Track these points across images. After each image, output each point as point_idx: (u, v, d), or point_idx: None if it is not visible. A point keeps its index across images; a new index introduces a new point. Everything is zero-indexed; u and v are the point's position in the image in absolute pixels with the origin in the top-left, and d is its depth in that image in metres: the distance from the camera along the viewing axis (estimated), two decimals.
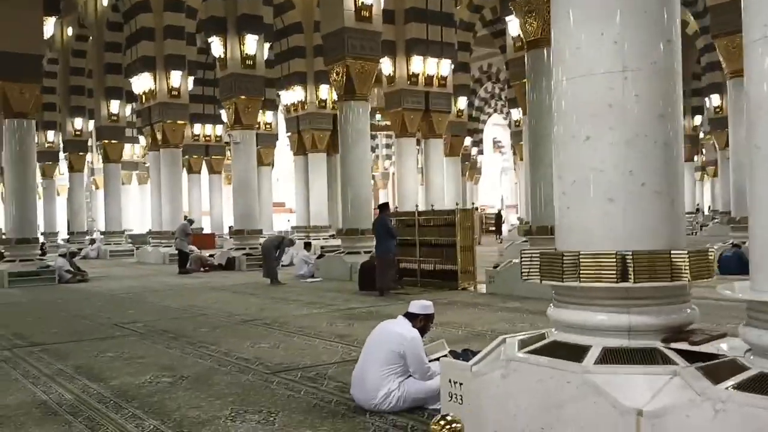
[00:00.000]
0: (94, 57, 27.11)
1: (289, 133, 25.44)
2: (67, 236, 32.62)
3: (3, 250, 16.59)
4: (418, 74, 19.85)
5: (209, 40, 19.41)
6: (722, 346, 3.52)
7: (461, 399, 4.25)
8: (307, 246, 16.55)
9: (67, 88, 29.83)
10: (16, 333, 8.79)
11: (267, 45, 20.34)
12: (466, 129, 29.18)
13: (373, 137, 47.96)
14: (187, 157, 31.38)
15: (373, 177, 50.74)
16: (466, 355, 4.68)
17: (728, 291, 3.32)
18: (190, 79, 23.37)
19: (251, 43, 18.94)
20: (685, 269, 3.63)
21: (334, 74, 15.46)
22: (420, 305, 5.03)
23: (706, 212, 38.37)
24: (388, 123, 22.17)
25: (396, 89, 19.83)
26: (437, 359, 4.82)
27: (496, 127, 52.73)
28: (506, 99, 34.02)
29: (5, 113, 16.19)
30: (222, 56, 19.18)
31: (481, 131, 43.23)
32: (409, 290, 12.28)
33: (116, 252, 27.21)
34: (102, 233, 30.19)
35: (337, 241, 17.07)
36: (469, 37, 26.58)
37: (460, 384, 4.26)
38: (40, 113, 31.10)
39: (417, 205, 14.44)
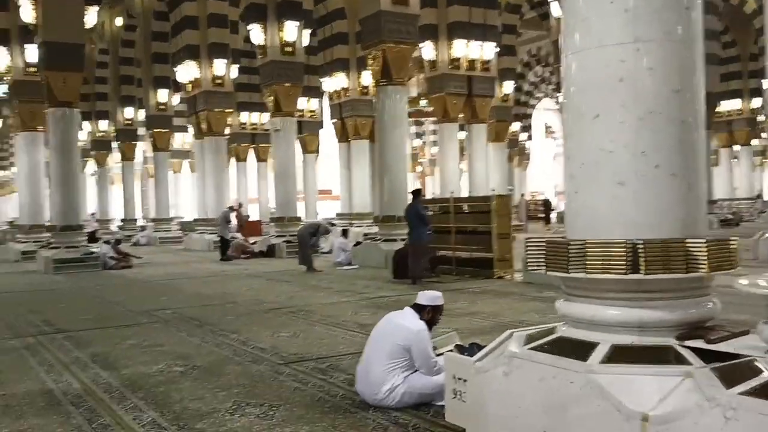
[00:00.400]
0: (142, 47, 27.45)
1: (333, 120, 25.35)
2: (120, 223, 33.30)
3: (50, 238, 16.95)
4: (461, 58, 19.48)
5: (249, 27, 19.37)
6: (742, 345, 3.18)
7: (464, 396, 4.01)
8: (344, 233, 16.40)
9: (117, 78, 30.34)
10: (46, 319, 8.87)
11: (307, 31, 20.20)
12: (512, 114, 28.61)
13: (420, 123, 47.63)
14: (234, 145, 31.71)
15: (420, 164, 50.45)
16: (471, 349, 4.42)
17: (745, 283, 2.99)
18: (235, 67, 23.40)
19: (291, 30, 18.83)
20: (702, 259, 3.30)
21: (371, 59, 15.21)
22: (428, 296, 4.79)
23: (766, 198, 36.81)
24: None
25: (438, 74, 19.53)
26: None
27: (547, 112, 51.65)
28: (556, 83, 33.22)
29: (49, 102, 16.45)
30: (262, 43, 19.13)
31: (530, 116, 42.36)
32: (444, 278, 12.02)
33: (165, 239, 27.60)
34: (152, 220, 30.71)
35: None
36: (515, 20, 25.98)
37: (464, 380, 4.02)
38: (92, 103, 31.93)
39: (452, 192, 14.12)
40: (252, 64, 29.12)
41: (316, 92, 27.84)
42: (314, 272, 13.91)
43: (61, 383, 5.49)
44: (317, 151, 30.58)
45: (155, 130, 27.43)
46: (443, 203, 13.35)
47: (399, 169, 15.03)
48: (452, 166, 19.79)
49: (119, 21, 29.75)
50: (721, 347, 3.17)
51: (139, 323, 8.42)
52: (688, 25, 3.52)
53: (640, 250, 3.34)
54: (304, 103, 27.61)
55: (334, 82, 23.86)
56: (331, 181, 40.60)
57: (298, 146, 24.20)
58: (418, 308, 4.75)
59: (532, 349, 3.68)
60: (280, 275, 13.78)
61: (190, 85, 22.42)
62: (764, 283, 2.88)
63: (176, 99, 28.23)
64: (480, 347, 4.33)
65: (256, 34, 19.14)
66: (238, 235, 21.30)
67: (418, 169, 51.13)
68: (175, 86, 26.51)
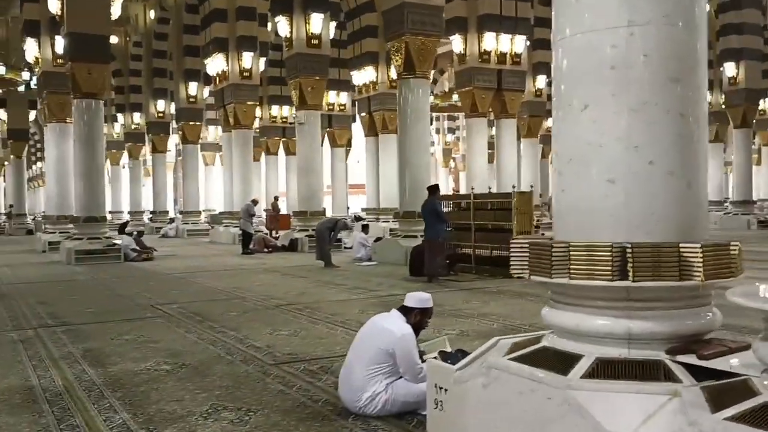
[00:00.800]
0: (174, 39, 27.55)
1: (361, 114, 25.12)
2: (150, 215, 33.57)
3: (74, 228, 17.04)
4: (490, 52, 19.08)
5: (276, 19, 19.22)
6: (739, 362, 2.85)
7: (444, 407, 3.74)
8: (365, 228, 16.17)
9: (150, 71, 30.55)
10: (51, 312, 8.80)
11: (333, 24, 19.98)
12: (546, 109, 28.03)
13: (454, 118, 47.17)
14: (265, 138, 31.69)
15: (453, 159, 49.99)
16: (455, 357, 4.14)
17: (739, 297, 2.65)
18: (263, 60, 23.29)
19: (317, 22, 18.61)
20: (697, 266, 2.98)
21: (394, 51, 14.93)
22: (416, 298, 4.52)
23: None
24: None
25: (466, 67, 19.19)
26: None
27: None
28: None
29: (74, 94, 16.49)
30: (288, 36, 18.96)
31: None
32: (462, 277, 11.73)
33: (193, 231, 27.70)
34: (181, 212, 30.87)
35: None
36: (550, 13, 25.37)
37: (445, 390, 3.75)
38: (126, 95, 32.22)
39: (473, 188, 13.77)
40: (283, 57, 29.06)
41: (346, 86, 27.64)
42: (332, 268, 13.71)
43: (45, 379, 5.35)
44: (348, 145, 30.36)
45: (185, 122, 27.50)
46: (465, 199, 13.02)
47: (420, 164, 14.72)
48: (480, 162, 19.42)
49: (152, 14, 29.94)
50: (715, 364, 2.85)
51: (143, 317, 8.31)
52: (691, 7, 3.19)
53: (628, 255, 3.04)
54: (333, 97, 27.43)
55: (363, 76, 23.62)
56: (363, 175, 40.40)
57: (325, 140, 24.03)
58: (406, 311, 4.48)
59: (513, 359, 3.39)
60: (296, 270, 13.61)
61: (218, 78, 22.38)
62: (755, 295, 2.55)
63: (207, 92, 28.30)
64: (465, 354, 4.05)
65: (283, 26, 18.96)
66: (263, 228, 21.21)
67: (451, 164, 50.73)
68: (206, 79, 26.56)
